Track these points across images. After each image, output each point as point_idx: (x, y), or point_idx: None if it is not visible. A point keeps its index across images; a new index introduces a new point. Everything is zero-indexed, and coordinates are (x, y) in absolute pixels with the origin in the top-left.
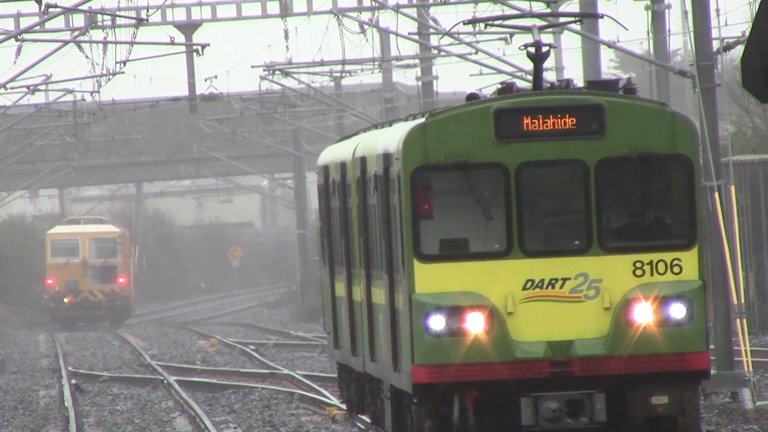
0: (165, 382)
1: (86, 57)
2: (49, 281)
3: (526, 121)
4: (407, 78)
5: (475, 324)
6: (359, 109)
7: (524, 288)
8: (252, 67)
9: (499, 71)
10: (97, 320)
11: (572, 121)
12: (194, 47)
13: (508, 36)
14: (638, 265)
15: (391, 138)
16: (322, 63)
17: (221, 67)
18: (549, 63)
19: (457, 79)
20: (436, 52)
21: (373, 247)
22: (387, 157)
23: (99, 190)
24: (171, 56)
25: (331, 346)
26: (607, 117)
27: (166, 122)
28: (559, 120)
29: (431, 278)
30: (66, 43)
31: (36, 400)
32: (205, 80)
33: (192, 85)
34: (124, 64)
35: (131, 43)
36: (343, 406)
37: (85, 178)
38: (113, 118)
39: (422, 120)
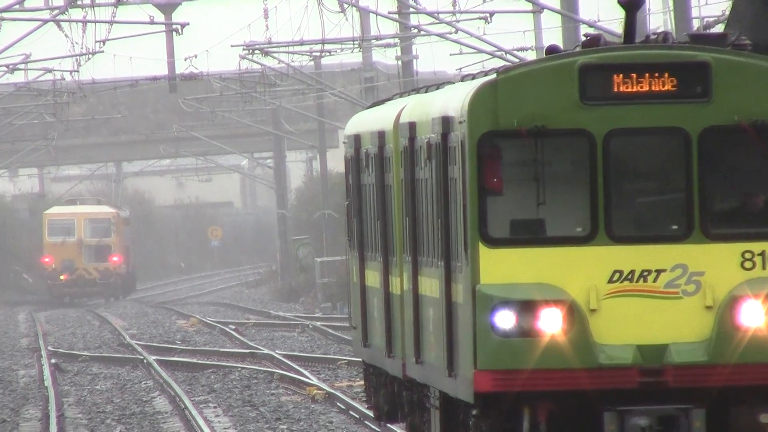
0: (145, 361)
1: (66, 36)
2: (46, 259)
3: (617, 80)
4: (387, 57)
5: (550, 322)
6: (339, 88)
7: (610, 281)
8: (232, 46)
9: (479, 51)
10: (91, 297)
11: (672, 81)
12: (174, 26)
13: (488, 15)
14: (748, 256)
15: (451, 99)
16: (301, 42)
17: (201, 46)
18: (528, 42)
19: (438, 58)
20: (416, 31)
21: (422, 229)
22: (446, 122)
23: (79, 170)
24: (150, 35)
25: (357, 344)
26: (714, 77)
27: (145, 102)
28: (656, 80)
29: (499, 266)
30: (45, 22)
31: (16, 380)
32: (185, 60)
33: (171, 65)
34: (104, 44)
35: (111, 23)
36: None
37: (65, 157)
38: (93, 97)
39: (492, 77)
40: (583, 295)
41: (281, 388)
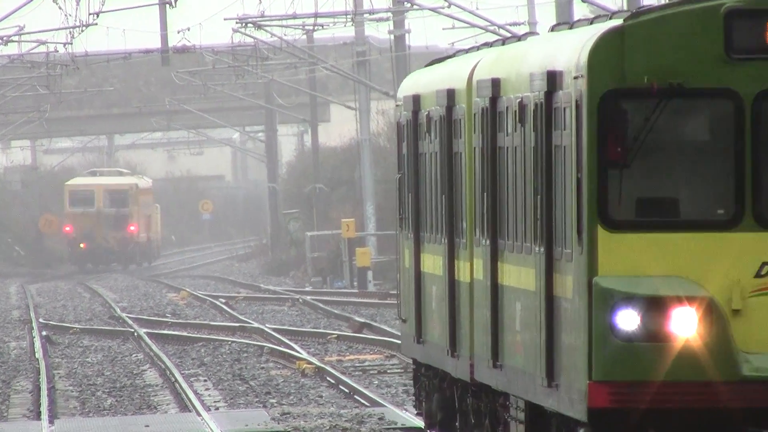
0: (135, 334)
1: (59, 8)
2: (67, 228)
3: None
4: (379, 32)
5: (683, 325)
6: (331, 62)
7: (758, 275)
8: (224, 19)
9: (472, 25)
10: (109, 264)
11: None
12: None
13: None
14: None
15: (559, 50)
16: (294, 16)
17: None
18: (521, 17)
19: (430, 32)
20: (408, 5)
21: (505, 207)
22: (552, 78)
23: (71, 142)
24: (144, 8)
25: (408, 340)
26: None
27: (138, 74)
28: None
29: (622, 255)
30: None
31: (7, 352)
32: (178, 33)
33: (164, 38)
34: (97, 16)
35: None
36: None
37: (57, 129)
38: (86, 70)
39: (617, 22)
40: (725, 292)
41: (271, 362)
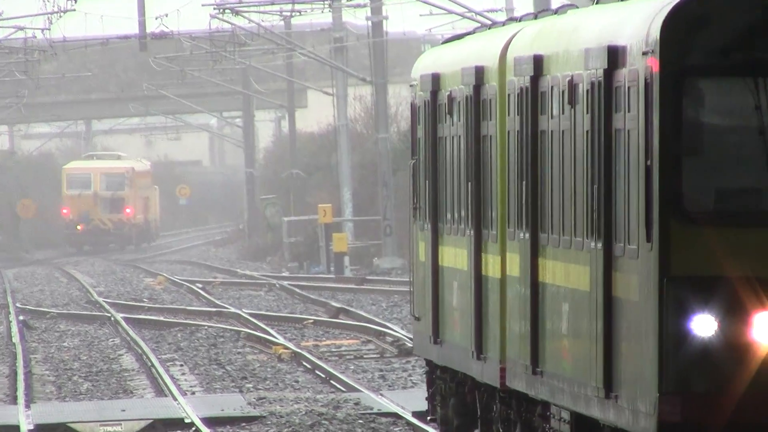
0: (112, 319)
1: None
2: (65, 211)
3: None
4: (357, 18)
5: (766, 331)
6: (309, 48)
7: None
8: (202, 5)
9: (449, 11)
10: (105, 245)
11: None
12: None
13: None
14: None
15: (623, 22)
16: (272, 2)
17: (171, 5)
18: (498, 3)
19: (407, 19)
20: None
21: (550, 198)
22: (613, 54)
23: (49, 127)
24: None
25: (423, 339)
26: None
27: (116, 60)
28: None
29: (698, 252)
30: None
31: None
32: (156, 18)
33: (142, 24)
34: (75, 2)
35: None
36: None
37: (35, 115)
38: (64, 55)
39: None
40: None
41: (248, 347)
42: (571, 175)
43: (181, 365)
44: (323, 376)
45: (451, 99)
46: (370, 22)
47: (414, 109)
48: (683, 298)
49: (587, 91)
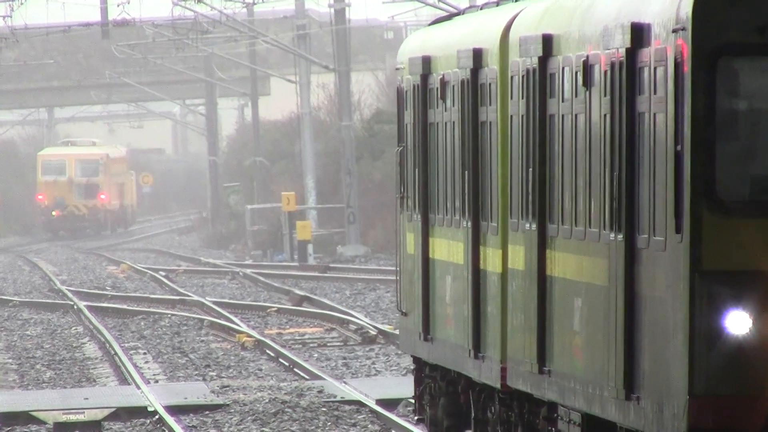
0: (75, 307)
1: None
2: (40, 197)
3: None
4: (320, 5)
5: None
6: (271, 36)
7: None
8: None
9: None
10: (81, 231)
11: None
12: None
13: None
14: None
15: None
16: None
17: None
18: None
19: (370, 6)
20: None
21: (560, 187)
22: (638, 32)
23: (11, 115)
24: None
25: (410, 336)
26: None
27: (78, 47)
28: None
29: (732, 245)
30: None
31: None
32: (118, 6)
33: (104, 11)
34: None
35: None
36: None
37: None
38: (25, 43)
39: None
40: None
41: (211, 335)
42: (585, 162)
43: (145, 353)
44: (287, 364)
45: (444, 83)
46: (332, 10)
47: (401, 93)
48: (716, 294)
49: (605, 72)
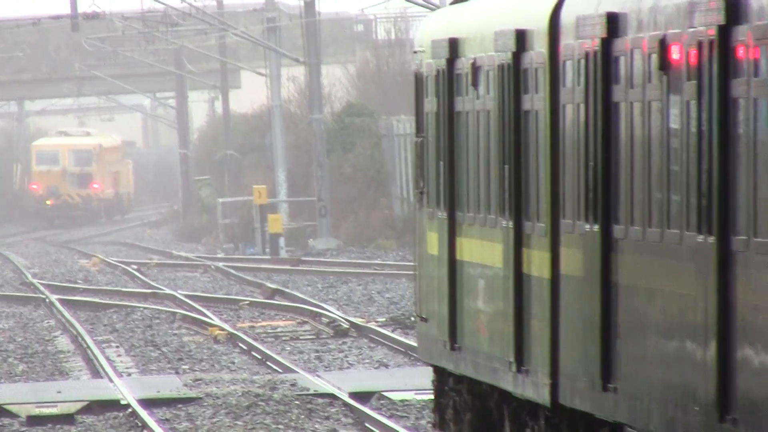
0: (47, 300)
1: None
2: (34, 186)
3: None
4: None
5: None
6: (241, 28)
7: None
8: None
9: None
10: (74, 219)
11: None
12: None
13: None
14: None
15: None
16: None
17: None
18: None
19: None
20: None
21: (627, 182)
22: (732, 6)
23: None
24: None
25: (433, 344)
26: None
27: (47, 40)
28: None
29: None
30: None
31: None
32: None
33: (74, 3)
34: None
35: None
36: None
37: None
38: None
39: None
40: None
41: (183, 329)
42: (661, 155)
43: (117, 347)
44: (259, 357)
45: (475, 68)
46: (302, 2)
47: (420, 79)
48: None
49: (696, 52)
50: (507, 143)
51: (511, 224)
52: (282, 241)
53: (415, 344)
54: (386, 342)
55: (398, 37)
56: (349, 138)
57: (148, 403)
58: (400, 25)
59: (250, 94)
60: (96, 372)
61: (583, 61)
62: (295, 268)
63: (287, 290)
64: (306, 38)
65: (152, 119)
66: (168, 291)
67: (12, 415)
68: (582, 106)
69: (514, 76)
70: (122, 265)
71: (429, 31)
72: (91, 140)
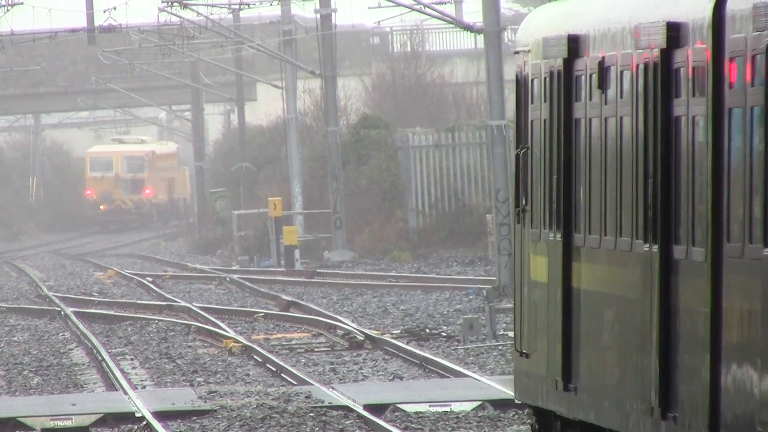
0: (62, 313)
1: None
2: (88, 192)
3: None
4: (306, 10)
5: None
6: (257, 41)
7: None
8: None
9: (398, 4)
10: (127, 224)
11: None
12: None
13: None
14: None
15: None
16: None
17: None
18: None
19: (356, 11)
20: None
21: None
22: None
23: None
24: None
25: (539, 383)
26: None
27: (64, 54)
28: None
29: None
30: None
31: None
32: (104, 12)
33: (90, 17)
34: None
35: None
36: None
37: None
38: (11, 49)
39: None
40: None
41: (198, 341)
42: None
43: (132, 359)
44: (274, 369)
45: (604, 68)
46: (318, 15)
47: (524, 82)
48: None
49: None
50: (656, 155)
51: (655, 249)
52: (297, 253)
53: (429, 356)
54: (401, 354)
55: (414, 49)
56: (365, 150)
57: (163, 416)
58: (415, 38)
59: (266, 106)
60: (111, 385)
61: (760, 57)
62: (310, 280)
63: (302, 302)
64: (322, 51)
65: (168, 132)
66: (183, 303)
67: (27, 428)
68: (757, 110)
69: (664, 77)
70: (137, 278)
71: (536, 28)
72: (144, 147)
